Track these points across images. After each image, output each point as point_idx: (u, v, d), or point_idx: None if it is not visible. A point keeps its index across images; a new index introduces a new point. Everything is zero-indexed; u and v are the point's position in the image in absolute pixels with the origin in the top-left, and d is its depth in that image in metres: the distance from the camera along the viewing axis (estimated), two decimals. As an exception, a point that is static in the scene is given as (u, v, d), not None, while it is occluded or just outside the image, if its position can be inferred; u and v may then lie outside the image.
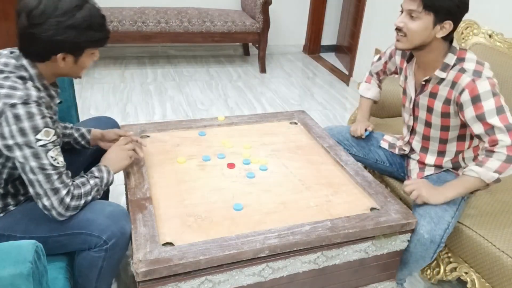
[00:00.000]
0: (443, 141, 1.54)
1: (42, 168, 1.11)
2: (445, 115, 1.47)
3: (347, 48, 4.29)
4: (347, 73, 4.09)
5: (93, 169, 1.29)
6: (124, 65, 3.95)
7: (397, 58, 1.66)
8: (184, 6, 3.95)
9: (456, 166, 1.59)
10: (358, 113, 1.92)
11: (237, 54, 4.52)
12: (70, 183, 1.17)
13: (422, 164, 1.65)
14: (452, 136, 1.52)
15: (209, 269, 1.16)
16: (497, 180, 1.34)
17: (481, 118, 1.34)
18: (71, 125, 1.51)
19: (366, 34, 3.60)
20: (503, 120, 1.32)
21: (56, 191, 1.13)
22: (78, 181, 1.22)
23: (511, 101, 1.61)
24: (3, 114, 1.06)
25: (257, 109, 3.30)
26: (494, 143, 1.33)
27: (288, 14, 4.45)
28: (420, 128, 1.59)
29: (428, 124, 1.54)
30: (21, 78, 1.13)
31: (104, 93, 3.36)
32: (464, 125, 1.45)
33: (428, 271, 1.66)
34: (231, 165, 1.56)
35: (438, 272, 1.62)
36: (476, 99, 1.34)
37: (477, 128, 1.36)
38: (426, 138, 1.58)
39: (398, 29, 1.41)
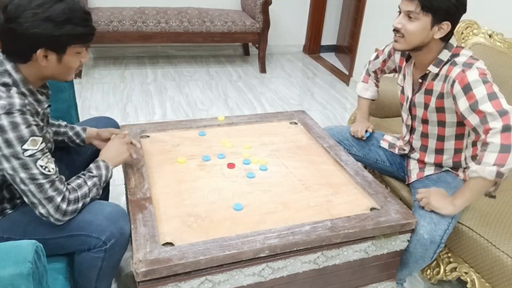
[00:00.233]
0: (441, 138, 1.53)
1: (33, 179, 1.09)
2: (440, 109, 1.46)
3: (347, 48, 4.29)
4: (347, 73, 4.09)
5: (91, 166, 1.28)
6: (124, 65, 3.95)
7: (397, 57, 1.66)
8: (184, 6, 3.95)
9: (457, 165, 1.58)
10: (358, 113, 1.92)
11: (237, 54, 4.52)
12: (65, 189, 1.15)
13: (422, 163, 1.65)
14: (450, 134, 1.51)
15: (209, 269, 1.16)
16: (499, 174, 1.25)
17: (474, 107, 1.30)
18: (65, 123, 1.49)
19: (366, 34, 3.60)
20: (496, 105, 1.27)
21: (50, 199, 1.11)
22: (74, 183, 1.20)
23: (511, 101, 1.61)
24: None
25: (257, 109, 3.30)
26: (487, 132, 1.28)
27: (288, 14, 4.45)
28: (418, 126, 1.59)
29: (425, 121, 1.54)
30: (4, 85, 1.09)
31: (104, 93, 3.36)
32: (460, 123, 1.45)
33: (428, 271, 1.66)
34: (231, 165, 1.56)
35: (438, 272, 1.62)
36: (466, 89, 1.32)
37: (473, 119, 1.32)
38: (424, 135, 1.58)
39: (396, 30, 1.41)
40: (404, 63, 1.59)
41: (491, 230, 1.45)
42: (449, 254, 1.58)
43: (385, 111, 2.23)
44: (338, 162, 1.62)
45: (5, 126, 1.04)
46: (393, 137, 1.79)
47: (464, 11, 1.36)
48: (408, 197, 1.69)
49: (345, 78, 3.99)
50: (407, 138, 1.67)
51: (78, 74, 3.54)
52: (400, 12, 1.40)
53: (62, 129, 1.46)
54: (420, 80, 1.49)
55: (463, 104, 1.34)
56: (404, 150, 1.70)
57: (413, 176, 1.64)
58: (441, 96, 1.43)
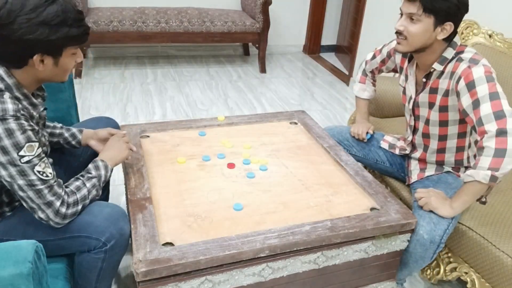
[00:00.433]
0: (443, 138, 1.53)
1: (31, 185, 1.08)
2: (443, 108, 1.46)
3: (347, 48, 4.29)
4: (347, 73, 4.09)
5: (90, 166, 1.27)
6: (124, 65, 3.95)
7: (398, 57, 1.65)
8: (184, 6, 3.94)
9: (459, 164, 1.58)
10: (357, 114, 1.91)
11: (237, 54, 4.52)
12: (63, 193, 1.14)
13: (423, 163, 1.64)
14: (452, 132, 1.50)
15: (209, 269, 1.16)
16: (493, 179, 1.25)
17: (475, 105, 1.30)
18: (60, 124, 1.47)
19: (366, 34, 3.60)
20: (495, 106, 1.26)
21: (49, 204, 1.11)
22: (73, 186, 1.19)
23: (511, 101, 1.61)
24: None
25: (257, 109, 3.30)
26: (482, 135, 1.28)
27: (288, 14, 4.45)
28: (421, 126, 1.58)
29: (427, 122, 1.54)
30: None
31: (104, 93, 3.36)
32: (463, 120, 1.44)
33: (428, 271, 1.66)
34: (231, 165, 1.56)
35: (438, 272, 1.62)
36: (470, 85, 1.31)
37: (473, 118, 1.31)
38: (425, 136, 1.58)
39: (398, 33, 1.40)
40: (406, 64, 1.58)
41: (491, 230, 1.45)
42: (449, 254, 1.58)
43: (385, 111, 2.23)
44: (338, 162, 1.62)
45: (0, 134, 1.02)
46: (394, 138, 1.79)
47: (466, 10, 1.35)
48: (408, 197, 1.69)
49: (345, 78, 3.99)
50: (410, 138, 1.66)
51: (78, 74, 3.54)
52: (401, 14, 1.39)
53: (57, 131, 1.44)
54: (424, 80, 1.48)
55: (465, 101, 1.33)
56: (406, 150, 1.70)
57: (414, 176, 1.64)
58: (446, 93, 1.42)
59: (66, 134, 1.46)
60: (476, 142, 1.51)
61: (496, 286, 1.42)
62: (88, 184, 1.21)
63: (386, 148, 1.77)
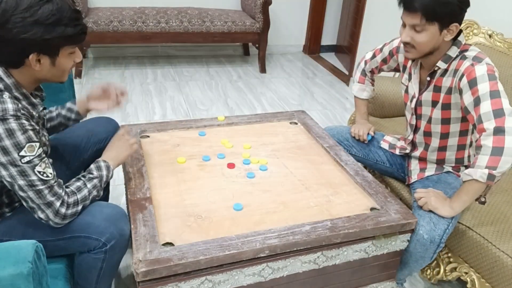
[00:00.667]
0: (444, 136, 1.53)
1: (31, 185, 1.08)
2: (445, 106, 1.45)
3: (347, 48, 4.29)
4: (347, 73, 4.09)
5: (92, 166, 1.27)
6: (124, 65, 3.95)
7: (401, 56, 1.64)
8: (184, 6, 3.95)
9: (459, 162, 1.57)
10: (356, 114, 1.91)
11: (237, 54, 4.52)
12: (63, 193, 1.14)
13: (423, 162, 1.64)
14: (454, 130, 1.50)
15: (209, 269, 1.16)
16: (491, 177, 1.24)
17: (476, 103, 1.30)
18: (55, 106, 1.45)
19: (366, 34, 3.60)
20: (495, 104, 1.26)
21: (49, 204, 1.11)
22: (73, 186, 1.19)
23: (511, 100, 1.61)
24: None
25: (257, 109, 3.30)
26: (481, 133, 1.28)
27: (288, 14, 4.45)
28: (423, 125, 1.57)
29: (429, 120, 1.53)
30: None
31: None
32: (465, 118, 1.44)
33: (428, 271, 1.67)
34: (231, 165, 1.56)
35: (438, 272, 1.62)
36: (472, 83, 1.31)
37: (473, 115, 1.31)
38: (427, 134, 1.57)
39: (405, 43, 1.39)
40: (410, 62, 1.57)
41: (491, 230, 1.45)
42: (449, 254, 1.58)
43: (385, 111, 2.23)
44: (338, 162, 1.62)
45: (0, 134, 1.02)
46: (394, 138, 1.79)
47: (468, 5, 1.33)
48: (408, 197, 1.69)
49: (345, 78, 3.99)
50: (410, 137, 1.65)
51: (78, 74, 3.53)
52: (404, 25, 1.38)
53: (54, 113, 1.43)
54: (428, 79, 1.47)
55: (467, 98, 1.33)
56: (406, 149, 1.69)
57: (414, 176, 1.64)
58: (449, 91, 1.42)
59: (63, 112, 1.44)
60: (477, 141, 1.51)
61: (496, 286, 1.42)
62: (89, 185, 1.21)
63: (386, 148, 1.77)
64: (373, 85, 1.90)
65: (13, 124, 1.03)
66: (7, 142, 1.03)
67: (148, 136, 1.73)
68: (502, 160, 1.22)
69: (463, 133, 1.51)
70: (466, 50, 1.39)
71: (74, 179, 1.22)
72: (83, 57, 3.80)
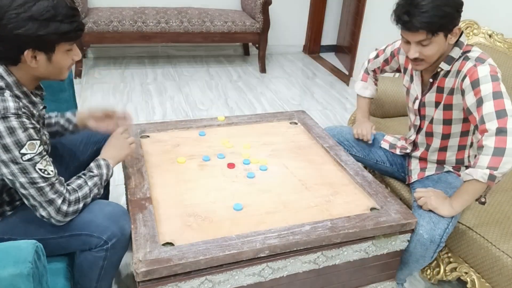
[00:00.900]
0: (446, 136, 1.52)
1: (33, 183, 1.08)
2: (447, 107, 1.45)
3: (347, 48, 4.29)
4: (347, 73, 4.09)
5: (92, 165, 1.27)
6: (124, 65, 3.95)
7: (401, 58, 1.63)
8: (184, 6, 3.95)
9: (459, 163, 1.57)
10: (358, 113, 1.90)
11: (237, 54, 4.52)
12: (65, 191, 1.14)
13: (424, 162, 1.64)
14: (455, 131, 1.50)
15: (209, 269, 1.16)
16: (492, 177, 1.25)
17: (479, 103, 1.30)
18: (55, 113, 1.46)
19: (366, 34, 3.60)
20: (498, 105, 1.26)
21: (51, 202, 1.11)
22: (75, 184, 1.19)
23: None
24: None
25: (257, 109, 3.30)
26: (483, 133, 1.28)
27: (288, 14, 4.45)
28: (425, 125, 1.57)
29: (431, 120, 1.53)
30: None
31: (104, 93, 3.36)
32: (467, 119, 1.43)
33: (428, 271, 1.67)
34: (231, 165, 1.56)
35: (438, 272, 1.62)
36: (475, 84, 1.31)
37: (476, 116, 1.31)
38: (429, 134, 1.57)
39: (414, 59, 1.37)
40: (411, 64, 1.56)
41: (491, 230, 1.45)
42: (449, 254, 1.58)
43: (385, 111, 2.23)
44: (338, 162, 1.62)
45: (1, 132, 1.03)
46: (394, 138, 1.79)
47: (462, 4, 1.33)
48: (408, 197, 1.69)
49: (345, 78, 3.99)
50: (412, 137, 1.64)
51: (78, 74, 3.53)
52: (407, 42, 1.36)
53: (53, 120, 1.44)
54: (430, 80, 1.47)
55: (469, 99, 1.33)
56: (406, 149, 1.69)
57: (414, 176, 1.64)
58: (451, 92, 1.42)
59: (62, 121, 1.45)
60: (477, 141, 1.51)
61: (496, 286, 1.42)
62: (90, 183, 1.22)
63: (386, 148, 1.77)
64: (376, 84, 1.89)
65: (14, 122, 1.04)
66: (8, 140, 1.03)
67: (148, 136, 1.73)
68: (504, 160, 1.23)
69: (464, 133, 1.50)
70: (469, 51, 1.38)
71: (74, 177, 1.23)
72: (83, 57, 3.80)
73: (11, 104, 1.05)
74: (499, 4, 2.27)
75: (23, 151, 1.05)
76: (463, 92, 1.36)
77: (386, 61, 1.74)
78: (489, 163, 1.24)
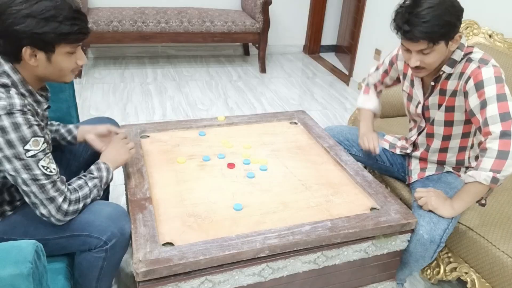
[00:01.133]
0: (446, 138, 1.52)
1: (35, 179, 1.08)
2: (449, 108, 1.45)
3: (347, 48, 4.29)
4: (347, 73, 4.09)
5: (92, 167, 1.28)
6: (124, 65, 3.95)
7: (400, 64, 1.61)
8: (184, 6, 3.95)
9: (459, 164, 1.57)
10: (361, 125, 1.78)
11: (237, 54, 4.52)
12: (66, 189, 1.15)
13: (424, 162, 1.64)
14: (456, 132, 1.50)
15: (209, 269, 1.16)
16: (495, 180, 1.25)
17: (482, 105, 1.29)
18: (58, 122, 1.47)
19: (366, 34, 3.60)
20: (502, 107, 1.26)
21: (52, 200, 1.11)
22: (75, 184, 1.20)
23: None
24: None
25: (257, 109, 3.30)
26: (486, 136, 1.28)
27: (288, 14, 4.45)
28: (427, 127, 1.56)
29: (432, 122, 1.52)
30: (3, 86, 1.08)
31: (104, 93, 3.36)
32: (468, 121, 1.43)
33: (428, 271, 1.67)
34: (231, 165, 1.56)
35: (438, 272, 1.62)
36: (479, 86, 1.30)
37: (479, 118, 1.31)
38: (429, 135, 1.57)
39: (415, 67, 1.36)
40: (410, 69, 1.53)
41: (491, 230, 1.45)
42: (449, 254, 1.58)
43: (384, 111, 2.23)
44: (338, 162, 1.62)
45: (6, 127, 1.03)
46: (394, 138, 1.79)
47: (462, 10, 1.32)
48: (408, 197, 1.69)
49: (345, 78, 3.99)
50: (413, 138, 1.64)
51: (78, 74, 3.54)
52: (408, 50, 1.34)
53: (54, 127, 1.44)
54: (432, 83, 1.45)
55: (473, 101, 1.32)
56: (407, 149, 1.69)
57: (414, 176, 1.64)
58: (454, 94, 1.41)
59: (62, 130, 1.45)
60: (479, 143, 1.51)
61: (496, 286, 1.42)
62: (90, 184, 1.22)
63: (386, 148, 1.77)
64: (378, 97, 1.83)
65: (19, 118, 1.05)
66: (13, 136, 1.04)
67: (148, 136, 1.73)
68: (507, 163, 1.23)
69: (465, 135, 1.50)
70: (471, 53, 1.37)
71: (75, 178, 1.23)
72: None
73: (17, 101, 1.06)
74: (499, 4, 2.27)
75: (27, 147, 1.06)
76: (466, 94, 1.35)
77: (386, 72, 1.71)
78: (493, 166, 1.24)
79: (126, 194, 1.46)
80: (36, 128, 1.08)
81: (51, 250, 1.19)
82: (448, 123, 1.48)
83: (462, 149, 1.54)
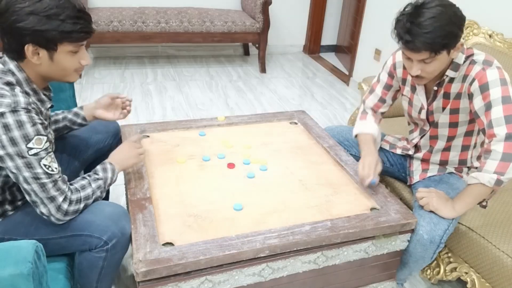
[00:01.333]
0: (451, 138, 1.52)
1: (36, 178, 1.09)
2: (454, 111, 1.44)
3: (347, 48, 4.29)
4: (347, 73, 4.09)
5: (98, 167, 1.28)
6: (124, 65, 3.95)
7: (399, 71, 1.57)
8: (184, 6, 3.95)
9: (462, 163, 1.57)
10: (362, 148, 1.59)
11: (237, 54, 4.52)
12: (67, 189, 1.15)
13: (426, 163, 1.63)
14: (460, 132, 1.49)
15: (209, 269, 1.16)
16: (498, 182, 1.25)
17: (487, 107, 1.29)
18: (61, 110, 1.48)
19: (366, 34, 3.60)
20: (507, 110, 1.25)
21: (52, 199, 1.12)
22: (78, 184, 1.20)
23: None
24: None
25: (257, 109, 3.30)
26: (491, 138, 1.27)
27: (288, 14, 4.45)
28: (433, 131, 1.55)
29: (436, 124, 1.52)
30: (9, 84, 1.09)
31: (104, 93, 3.32)
32: (472, 120, 1.43)
33: (428, 271, 1.67)
34: (231, 165, 1.56)
35: (438, 272, 1.62)
36: (484, 88, 1.29)
37: (483, 120, 1.31)
38: (433, 137, 1.56)
39: (416, 76, 1.35)
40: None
41: (491, 230, 1.45)
42: (449, 254, 1.58)
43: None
44: (338, 162, 1.62)
45: (10, 124, 1.04)
46: (394, 138, 1.78)
47: (464, 19, 1.30)
48: (408, 197, 1.69)
49: (345, 78, 3.99)
50: (415, 141, 1.63)
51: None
52: (409, 58, 1.32)
53: (60, 116, 1.46)
54: (435, 88, 1.44)
55: (478, 103, 1.32)
56: (408, 150, 1.68)
57: (416, 177, 1.63)
58: (458, 96, 1.40)
59: (70, 116, 1.47)
60: (482, 143, 1.50)
61: (496, 286, 1.42)
62: (94, 185, 1.22)
63: (387, 149, 1.77)
64: (378, 122, 1.68)
65: (23, 116, 1.05)
66: (16, 133, 1.05)
67: (148, 136, 1.73)
68: (511, 166, 1.23)
69: (468, 133, 1.50)
70: (473, 55, 1.36)
71: (79, 178, 1.24)
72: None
73: (21, 99, 1.07)
74: (499, 4, 2.27)
75: (30, 145, 1.06)
76: (470, 96, 1.35)
77: (387, 87, 1.62)
78: (497, 168, 1.24)
79: (126, 194, 1.46)
80: (39, 126, 1.09)
81: (51, 250, 1.19)
82: (453, 125, 1.48)
83: (465, 148, 1.53)
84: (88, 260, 1.22)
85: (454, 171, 1.59)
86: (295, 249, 1.23)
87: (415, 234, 1.38)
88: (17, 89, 1.09)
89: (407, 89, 1.57)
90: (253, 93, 3.60)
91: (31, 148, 1.07)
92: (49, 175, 1.11)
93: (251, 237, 1.20)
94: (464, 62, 1.36)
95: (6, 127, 1.04)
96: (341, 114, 3.35)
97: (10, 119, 1.04)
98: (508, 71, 1.88)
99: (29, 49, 1.09)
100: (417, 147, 1.65)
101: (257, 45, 4.01)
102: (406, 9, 1.29)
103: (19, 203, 1.25)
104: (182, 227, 1.25)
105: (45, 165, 1.10)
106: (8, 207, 1.23)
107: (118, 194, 2.12)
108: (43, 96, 1.20)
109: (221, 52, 4.46)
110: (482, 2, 2.32)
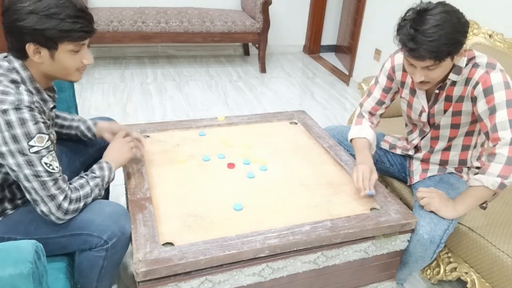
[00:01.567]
0: (451, 139, 1.52)
1: (37, 176, 1.09)
2: (456, 113, 1.44)
3: (347, 48, 4.29)
4: (347, 73, 4.09)
5: (94, 166, 1.29)
6: (124, 65, 3.95)
7: (398, 74, 1.55)
8: (184, 6, 3.95)
9: (462, 164, 1.57)
10: (357, 155, 1.57)
11: (237, 54, 4.52)
12: (67, 188, 1.16)
13: (426, 164, 1.63)
14: (461, 132, 1.49)
15: (209, 269, 1.16)
16: (502, 186, 1.25)
17: (491, 111, 1.28)
18: (79, 117, 1.51)
19: (366, 34, 3.60)
20: (511, 114, 1.25)
21: (52, 197, 1.12)
22: (77, 183, 1.20)
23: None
24: None
25: (257, 109, 3.30)
26: (495, 142, 1.28)
27: (288, 14, 4.45)
28: (434, 133, 1.54)
29: (437, 126, 1.51)
30: (13, 82, 1.10)
31: (104, 93, 3.36)
32: (474, 121, 1.43)
33: (428, 271, 1.67)
34: (231, 165, 1.56)
35: (438, 272, 1.62)
36: (488, 91, 1.29)
37: (487, 123, 1.30)
38: (434, 138, 1.56)
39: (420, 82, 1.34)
40: (410, 78, 1.50)
41: (491, 230, 1.45)
42: (449, 254, 1.58)
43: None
44: (338, 162, 1.62)
45: (13, 122, 1.05)
46: (394, 138, 1.78)
47: (468, 25, 1.28)
48: (408, 197, 1.69)
49: (345, 78, 3.99)
50: (415, 142, 1.62)
51: (78, 74, 3.54)
52: (412, 65, 1.30)
53: (75, 124, 1.48)
54: (436, 91, 1.43)
55: (481, 106, 1.32)
56: (408, 150, 1.68)
57: (416, 177, 1.63)
58: (460, 99, 1.40)
59: (82, 127, 1.49)
60: (482, 144, 1.50)
61: (496, 286, 1.42)
62: (92, 183, 1.23)
63: (386, 149, 1.77)
64: (374, 127, 1.66)
65: (26, 114, 1.06)
66: (19, 131, 1.05)
67: (148, 136, 1.73)
68: None
69: (469, 133, 1.49)
70: (474, 57, 1.35)
71: (77, 177, 1.24)
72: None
73: (25, 97, 1.08)
74: (499, 4, 2.27)
75: (31, 143, 1.07)
76: (474, 99, 1.34)
77: (386, 90, 1.60)
78: (501, 172, 1.25)
79: (126, 194, 1.46)
80: (41, 125, 1.10)
81: (51, 249, 1.19)
82: (455, 126, 1.48)
83: (465, 148, 1.53)
84: (88, 259, 1.22)
85: (454, 171, 1.59)
86: (295, 249, 1.23)
87: (415, 234, 1.37)
88: (22, 87, 1.10)
89: (406, 92, 1.56)
90: (253, 93, 3.60)
91: (32, 146, 1.07)
92: (50, 174, 1.11)
93: (251, 237, 1.20)
94: (466, 65, 1.35)
95: (9, 124, 1.05)
96: (341, 114, 3.35)
97: (13, 116, 1.05)
98: (508, 71, 1.89)
99: (30, 48, 1.10)
100: (417, 148, 1.65)
101: (257, 45, 4.01)
102: (408, 15, 1.26)
103: (19, 201, 1.25)
104: (182, 227, 1.25)
105: (46, 163, 1.10)
106: (7, 205, 1.23)
107: (118, 194, 2.12)
108: (46, 96, 1.21)
109: (221, 52, 4.46)
110: (482, 2, 2.32)
